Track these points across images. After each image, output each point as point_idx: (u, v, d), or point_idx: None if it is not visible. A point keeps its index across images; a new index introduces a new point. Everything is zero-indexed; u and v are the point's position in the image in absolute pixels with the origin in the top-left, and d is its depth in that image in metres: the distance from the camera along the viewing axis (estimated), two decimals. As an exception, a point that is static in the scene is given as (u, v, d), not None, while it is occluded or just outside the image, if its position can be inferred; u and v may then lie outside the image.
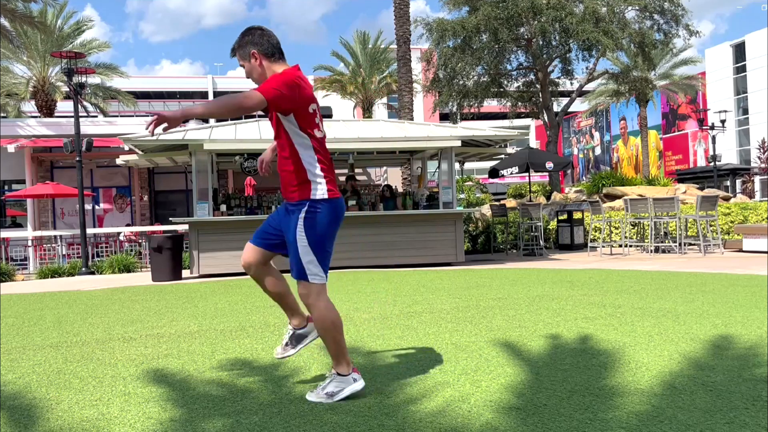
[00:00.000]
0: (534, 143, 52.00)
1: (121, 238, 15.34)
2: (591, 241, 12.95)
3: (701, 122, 32.79)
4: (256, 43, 2.94)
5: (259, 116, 11.10)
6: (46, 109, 24.47)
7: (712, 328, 4.17)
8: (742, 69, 45.82)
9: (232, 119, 11.54)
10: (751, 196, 34.91)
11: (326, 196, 2.89)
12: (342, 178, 12.85)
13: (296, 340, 3.25)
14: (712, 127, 30.31)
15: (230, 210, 10.66)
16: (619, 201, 14.90)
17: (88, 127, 17.70)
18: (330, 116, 12.82)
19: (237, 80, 54.24)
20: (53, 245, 15.05)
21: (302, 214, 2.87)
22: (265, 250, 3.11)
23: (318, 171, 2.90)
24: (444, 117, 42.80)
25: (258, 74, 2.96)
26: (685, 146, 46.63)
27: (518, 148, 18.92)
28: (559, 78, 24.17)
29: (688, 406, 2.62)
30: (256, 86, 2.93)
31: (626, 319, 4.62)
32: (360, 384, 2.94)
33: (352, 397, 2.92)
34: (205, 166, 10.61)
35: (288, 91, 2.78)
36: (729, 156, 44.99)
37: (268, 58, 2.95)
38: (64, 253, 14.51)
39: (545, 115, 24.11)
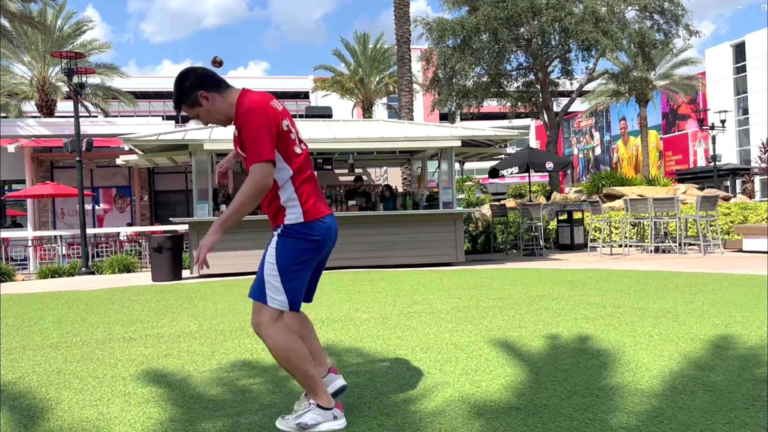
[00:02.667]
0: (534, 143, 51.99)
1: (122, 237, 15.34)
2: (591, 241, 12.95)
3: (701, 122, 32.78)
4: (199, 84, 2.62)
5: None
6: (46, 109, 24.48)
7: (712, 328, 4.17)
8: (742, 69, 45.83)
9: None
10: (751, 196, 34.90)
11: (302, 220, 2.60)
12: (349, 178, 12.84)
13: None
14: (712, 127, 30.31)
15: (230, 210, 10.64)
16: (619, 201, 14.90)
17: (88, 127, 17.70)
18: (330, 116, 12.81)
19: (237, 80, 54.23)
20: (53, 245, 15.04)
21: (276, 236, 2.62)
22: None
23: (293, 195, 2.62)
24: (444, 117, 42.81)
25: (216, 113, 2.65)
26: (685, 146, 46.64)
27: (518, 148, 18.92)
28: (558, 78, 24.17)
29: (688, 406, 2.62)
30: (216, 126, 2.70)
31: (626, 319, 4.62)
32: (341, 423, 2.56)
33: (352, 397, 2.91)
34: (205, 166, 10.61)
35: (270, 134, 2.50)
36: (729, 156, 44.99)
37: (218, 91, 2.63)
38: (64, 253, 14.52)
39: (545, 115, 24.10)
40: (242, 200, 2.48)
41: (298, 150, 2.65)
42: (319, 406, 2.56)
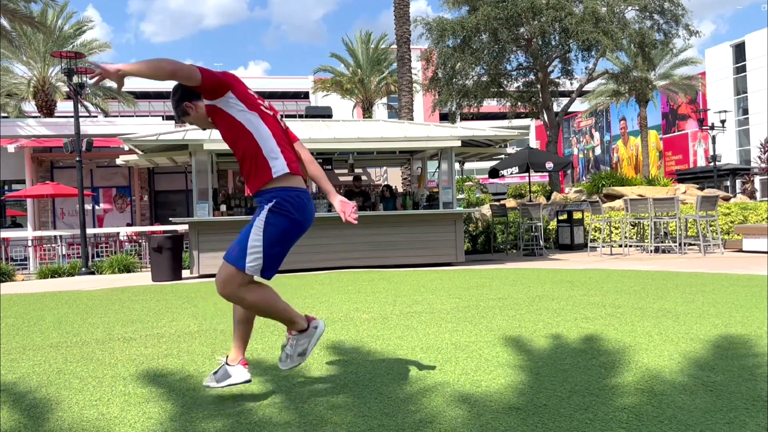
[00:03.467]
0: (534, 143, 52.02)
1: (122, 237, 15.34)
2: (591, 241, 12.95)
3: (701, 122, 32.78)
4: (183, 97, 2.87)
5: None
6: (46, 109, 24.48)
7: (712, 328, 4.17)
8: (742, 69, 45.81)
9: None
10: (751, 196, 34.90)
11: (287, 170, 2.77)
12: (349, 178, 12.80)
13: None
14: (712, 127, 30.31)
15: (230, 210, 10.67)
16: (619, 201, 14.90)
17: (88, 127, 17.71)
18: (330, 116, 12.81)
19: (237, 80, 54.07)
20: (53, 245, 15.04)
21: (267, 210, 2.76)
22: None
23: (274, 146, 2.79)
24: (444, 117, 42.83)
25: (203, 119, 2.90)
26: (685, 146, 46.63)
27: (518, 148, 18.93)
28: (559, 78, 24.18)
29: (688, 406, 2.62)
30: (200, 131, 2.96)
31: (626, 319, 4.62)
32: (321, 328, 3.01)
33: (352, 397, 2.91)
34: (205, 166, 10.61)
35: (221, 74, 2.72)
36: (729, 156, 44.98)
37: (199, 99, 2.85)
38: (64, 253, 14.52)
39: (545, 115, 24.10)
40: (156, 65, 2.56)
41: (268, 111, 2.89)
42: (299, 332, 2.97)
